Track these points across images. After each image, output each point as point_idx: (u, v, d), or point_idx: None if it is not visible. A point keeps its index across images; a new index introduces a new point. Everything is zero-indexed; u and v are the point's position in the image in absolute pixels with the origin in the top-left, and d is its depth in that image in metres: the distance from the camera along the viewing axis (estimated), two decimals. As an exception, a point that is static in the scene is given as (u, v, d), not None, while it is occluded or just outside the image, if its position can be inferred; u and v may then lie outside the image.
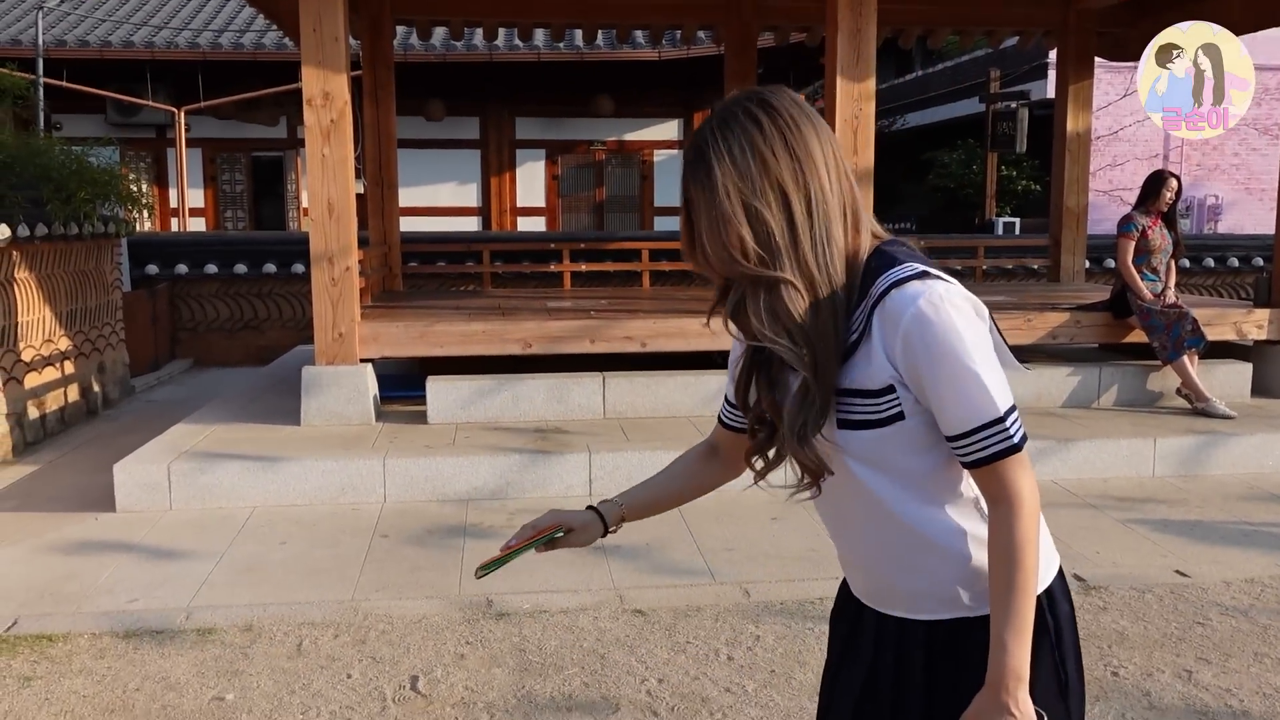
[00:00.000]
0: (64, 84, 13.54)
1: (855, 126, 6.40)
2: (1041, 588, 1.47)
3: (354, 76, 6.59)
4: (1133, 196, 8.83)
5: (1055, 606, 1.50)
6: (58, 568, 4.47)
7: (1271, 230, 7.42)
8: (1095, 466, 5.80)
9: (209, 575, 4.37)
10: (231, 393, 7.46)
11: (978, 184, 17.19)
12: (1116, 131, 16.96)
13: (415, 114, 14.50)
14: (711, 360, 6.47)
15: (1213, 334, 6.63)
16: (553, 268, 10.27)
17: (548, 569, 4.42)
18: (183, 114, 14.43)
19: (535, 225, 16.17)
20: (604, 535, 1.78)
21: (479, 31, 12.92)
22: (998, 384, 1.37)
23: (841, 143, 1.66)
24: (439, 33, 13.20)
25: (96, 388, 7.97)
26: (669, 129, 16.34)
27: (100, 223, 7.78)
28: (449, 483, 5.42)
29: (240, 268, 10.51)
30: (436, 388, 6.26)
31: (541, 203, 16.35)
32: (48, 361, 7.14)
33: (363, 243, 7.00)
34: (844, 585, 1.67)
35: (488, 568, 1.71)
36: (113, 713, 3.20)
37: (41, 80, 12.45)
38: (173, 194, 15.34)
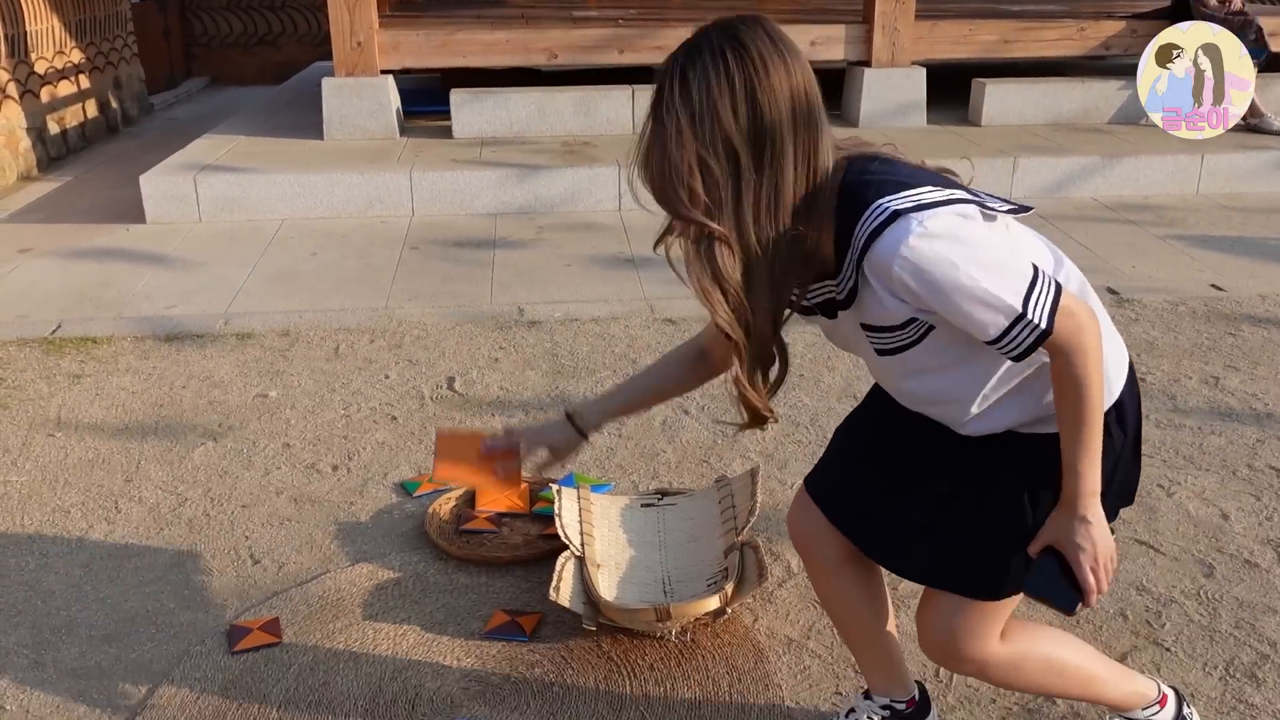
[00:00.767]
0: None
1: None
2: (1110, 402, 1.49)
3: None
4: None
5: (1124, 419, 1.52)
6: (94, 276, 4.53)
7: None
8: (1139, 183, 5.64)
9: (243, 284, 4.41)
10: (251, 108, 7.30)
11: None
12: None
13: None
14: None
15: (1275, 44, 6.27)
16: (578, -23, 9.71)
17: (577, 281, 4.43)
18: None
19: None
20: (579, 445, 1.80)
21: None
22: (1006, 280, 1.31)
23: None
24: None
25: (114, 104, 7.81)
26: None
27: (100, -76, 7.37)
28: (476, 197, 5.36)
29: (251, -23, 10.03)
30: (460, 99, 6.08)
31: (564, -92, 15.32)
32: (62, 75, 6.96)
33: (377, -56, 6.59)
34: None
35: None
36: (162, 407, 3.32)
37: None
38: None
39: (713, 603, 2.11)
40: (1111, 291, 4.25)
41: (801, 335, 3.60)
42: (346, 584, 2.38)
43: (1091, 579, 1.43)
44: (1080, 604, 1.45)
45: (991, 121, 6.41)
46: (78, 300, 4.24)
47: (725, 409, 3.25)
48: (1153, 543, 2.54)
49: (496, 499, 2.68)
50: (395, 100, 6.11)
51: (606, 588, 2.25)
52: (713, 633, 2.18)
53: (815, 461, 1.81)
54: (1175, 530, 2.59)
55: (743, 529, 2.33)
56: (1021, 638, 1.62)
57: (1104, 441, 1.43)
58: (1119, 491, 1.55)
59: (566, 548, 2.32)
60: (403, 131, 6.17)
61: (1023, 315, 1.32)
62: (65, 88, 6.99)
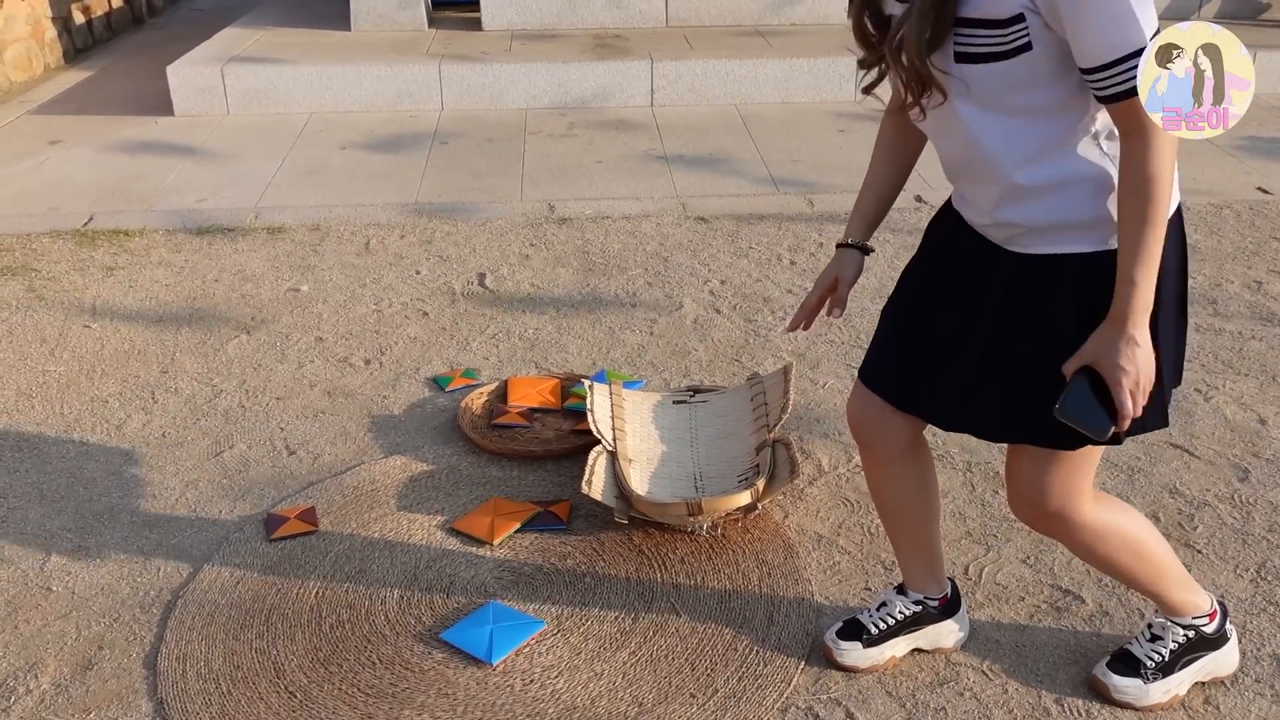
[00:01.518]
0: None
1: None
2: (1171, 210, 1.43)
3: None
4: None
5: (1169, 245, 1.44)
6: (124, 168, 4.51)
7: None
8: (1185, 82, 5.47)
9: (273, 178, 4.39)
10: (278, -2, 7.16)
11: None
12: None
13: None
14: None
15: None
16: None
17: (608, 178, 4.38)
18: None
19: None
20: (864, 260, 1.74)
21: None
22: (1144, 11, 1.27)
23: None
24: None
25: (139, -7, 7.69)
26: None
27: None
28: (506, 91, 5.28)
29: None
30: (490, -9, 5.94)
31: None
32: (86, -38, 6.84)
33: None
34: (949, 202, 1.63)
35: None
36: (194, 300, 3.33)
37: None
38: None
39: (744, 498, 2.12)
40: (1154, 194, 4.15)
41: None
42: (381, 475, 2.41)
43: (1129, 403, 1.39)
44: (1113, 428, 1.41)
45: None
46: (109, 193, 4.24)
47: (757, 308, 3.23)
48: (1188, 446, 2.52)
49: (528, 394, 2.69)
50: (423, -10, 5.98)
51: (638, 482, 2.27)
52: (743, 528, 2.20)
53: (849, 361, 1.79)
54: (1211, 435, 2.57)
55: (774, 426, 2.33)
56: (1115, 510, 1.62)
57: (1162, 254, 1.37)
58: (1171, 348, 1.49)
59: (598, 443, 2.33)
60: (431, 23, 6.05)
61: (1143, 51, 1.27)
62: (89, -24, 6.88)
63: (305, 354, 3.00)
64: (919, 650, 1.87)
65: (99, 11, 7.00)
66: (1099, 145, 1.40)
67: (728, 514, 2.16)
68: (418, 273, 3.53)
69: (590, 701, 1.78)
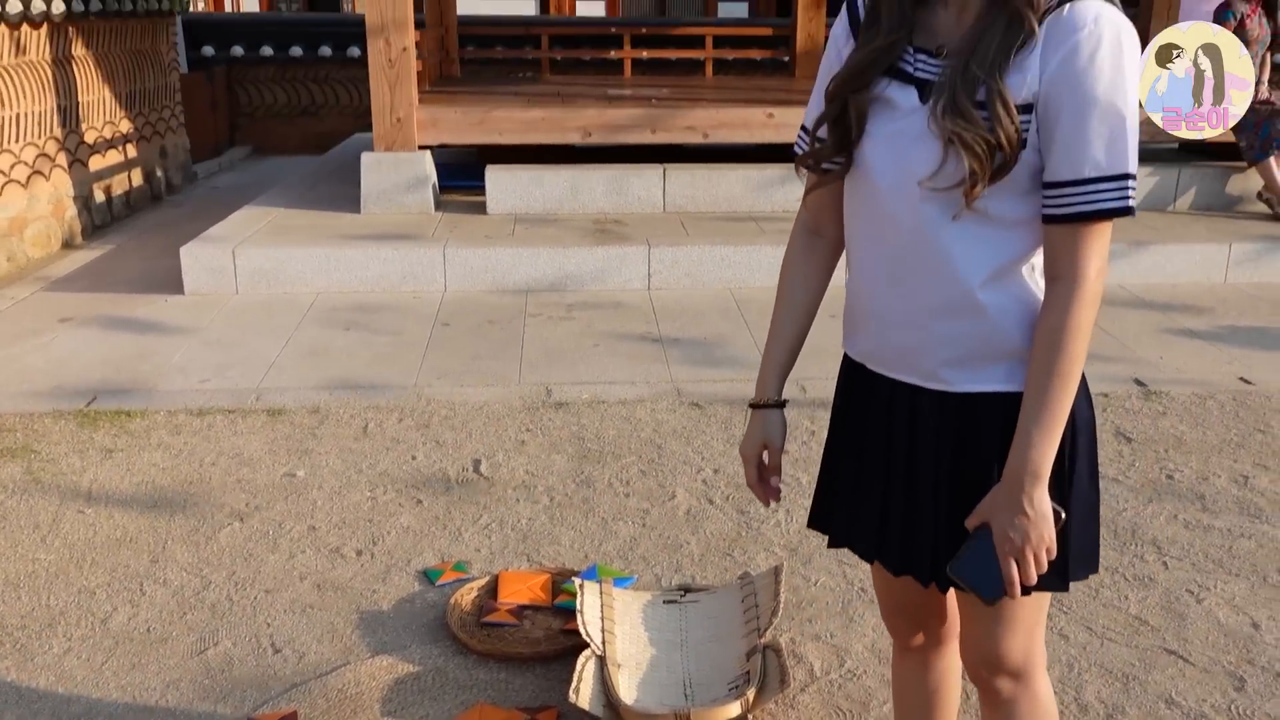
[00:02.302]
0: None
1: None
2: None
3: None
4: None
5: (1077, 407, 1.38)
6: (131, 347, 4.61)
7: (1384, 22, 6.87)
8: (1165, 271, 5.64)
9: (276, 358, 4.48)
10: (291, 179, 7.45)
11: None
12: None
13: (470, -114, 13.75)
14: (773, 155, 6.30)
15: (1307, 134, 6.27)
16: (613, 55, 9.92)
17: (605, 362, 4.47)
18: (230, -116, 13.85)
19: (595, 10, 15.56)
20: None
21: None
22: (1135, 142, 1.28)
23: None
24: None
25: (159, 173, 8.01)
26: (737, -95, 15.37)
27: None
28: (508, 273, 5.44)
29: (296, 50, 10.31)
30: (495, 176, 6.19)
31: (601, -15, 15.68)
32: (110, 144, 7.16)
33: (419, 24, 6.78)
34: (846, 360, 1.58)
35: None
36: (190, 484, 3.36)
37: None
38: (224, -28, 14.93)
39: (733, 709, 2.10)
40: (1139, 383, 4.23)
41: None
42: (366, 677, 2.38)
43: (1014, 572, 1.34)
44: (1002, 595, 1.36)
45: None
46: (115, 371, 4.32)
47: (750, 499, 3.25)
48: (1182, 652, 2.50)
49: (519, 590, 2.69)
50: (432, 175, 6.23)
51: (626, 689, 2.25)
52: (732, 738, 2.16)
53: (841, 556, 1.80)
54: (1205, 639, 2.55)
55: (765, 630, 2.32)
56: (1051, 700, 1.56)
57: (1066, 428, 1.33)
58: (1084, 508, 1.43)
59: (588, 645, 2.31)
60: (438, 206, 6.28)
61: (1125, 178, 1.27)
62: (113, 157, 7.18)
63: (297, 543, 3.00)
64: None
65: (119, 190, 7.27)
66: (1038, 278, 1.38)
67: (716, 724, 2.13)
68: (414, 458, 3.57)
69: None
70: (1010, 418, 1.36)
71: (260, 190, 7.24)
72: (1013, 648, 1.49)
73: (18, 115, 6.00)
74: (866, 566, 2.39)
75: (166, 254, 5.92)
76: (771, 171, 6.29)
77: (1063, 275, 1.30)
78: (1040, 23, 1.27)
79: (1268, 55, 6.51)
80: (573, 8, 15.52)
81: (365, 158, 6.12)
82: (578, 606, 2.40)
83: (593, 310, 5.15)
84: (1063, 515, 1.37)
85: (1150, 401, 4.07)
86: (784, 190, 6.25)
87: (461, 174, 6.70)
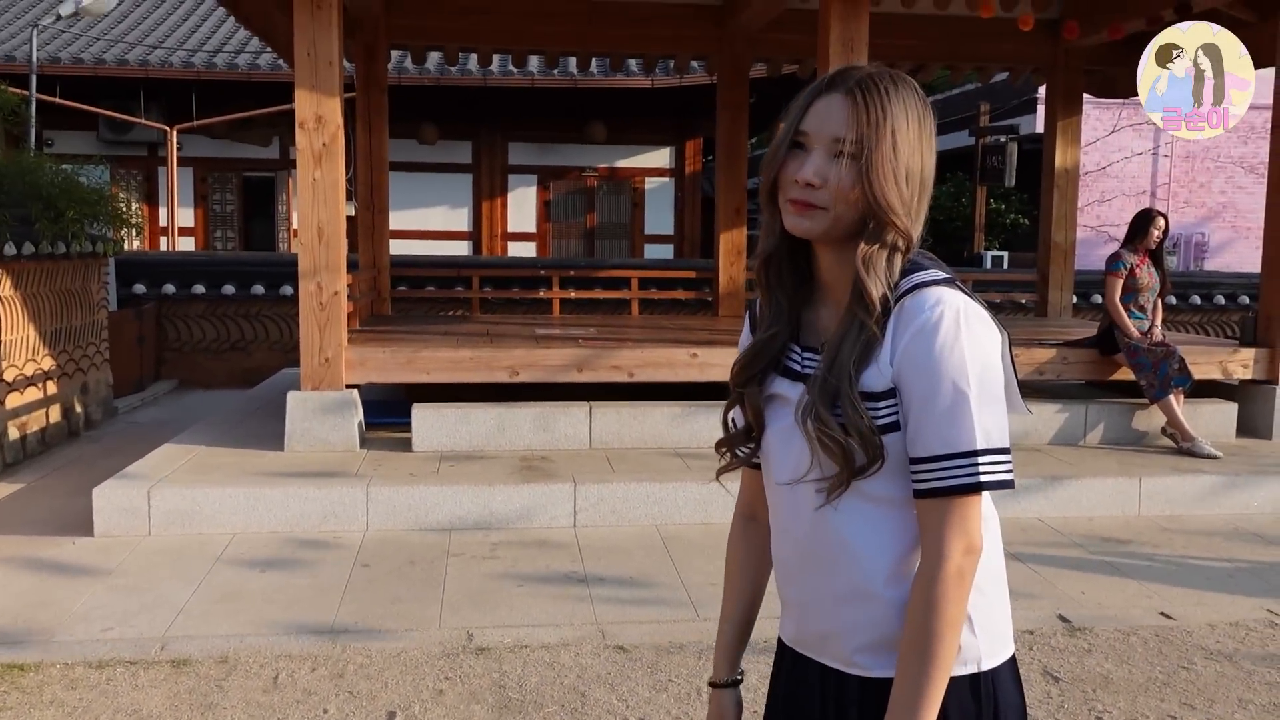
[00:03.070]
0: (57, 100, 13.52)
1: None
2: (988, 665, 1.40)
3: (347, 99, 6.59)
4: (1120, 233, 8.87)
5: (1000, 692, 1.40)
6: (32, 594, 4.41)
7: (1257, 269, 7.45)
8: (1081, 505, 5.79)
9: (186, 604, 4.31)
10: (216, 415, 7.41)
11: (966, 217, 17.26)
12: (1105, 167, 17.08)
13: (408, 137, 14.50)
14: (698, 391, 6.46)
15: (1199, 373, 6.64)
16: (542, 294, 10.26)
17: (528, 603, 4.38)
18: (175, 132, 14.41)
19: (526, 251, 16.17)
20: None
21: (473, 57, 12.97)
22: (986, 418, 1.32)
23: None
24: (433, 57, 13.24)
25: (79, 408, 7.91)
26: (661, 156, 16.38)
27: (88, 242, 7.74)
28: (432, 512, 5.38)
29: (228, 288, 10.48)
30: (422, 415, 6.23)
31: (532, 228, 16.36)
32: (30, 381, 7.08)
33: (352, 266, 6.98)
34: (780, 644, 1.58)
35: None
36: (83, 746, 3.14)
37: (34, 97, 12.44)
38: (163, 212, 15.31)
39: None
40: (1063, 619, 4.25)
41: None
42: None
43: None
44: None
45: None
46: (11, 620, 4.11)
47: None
48: None
49: None
50: (358, 414, 6.24)
51: None
52: None
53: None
54: None
55: None
56: None
57: (976, 709, 1.32)
58: None
59: None
60: (363, 444, 6.26)
61: (972, 454, 1.30)
62: (32, 394, 7.09)
63: (193, 811, 2.80)
64: None
65: (35, 427, 7.14)
66: None
67: None
68: (325, 711, 3.40)
69: None
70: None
71: (182, 425, 7.16)
72: None
73: (-63, 353, 5.94)
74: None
75: (78, 493, 5.77)
76: (696, 407, 6.42)
77: (928, 552, 1.33)
78: (888, 316, 1.36)
79: (1159, 301, 6.97)
80: (504, 248, 16.12)
81: (291, 397, 6.13)
82: None
83: (518, 549, 5.09)
84: None
85: (1075, 638, 4.08)
86: (709, 426, 6.37)
87: (388, 410, 6.73)
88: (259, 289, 10.49)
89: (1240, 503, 5.91)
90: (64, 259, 7.46)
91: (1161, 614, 4.36)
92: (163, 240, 15.23)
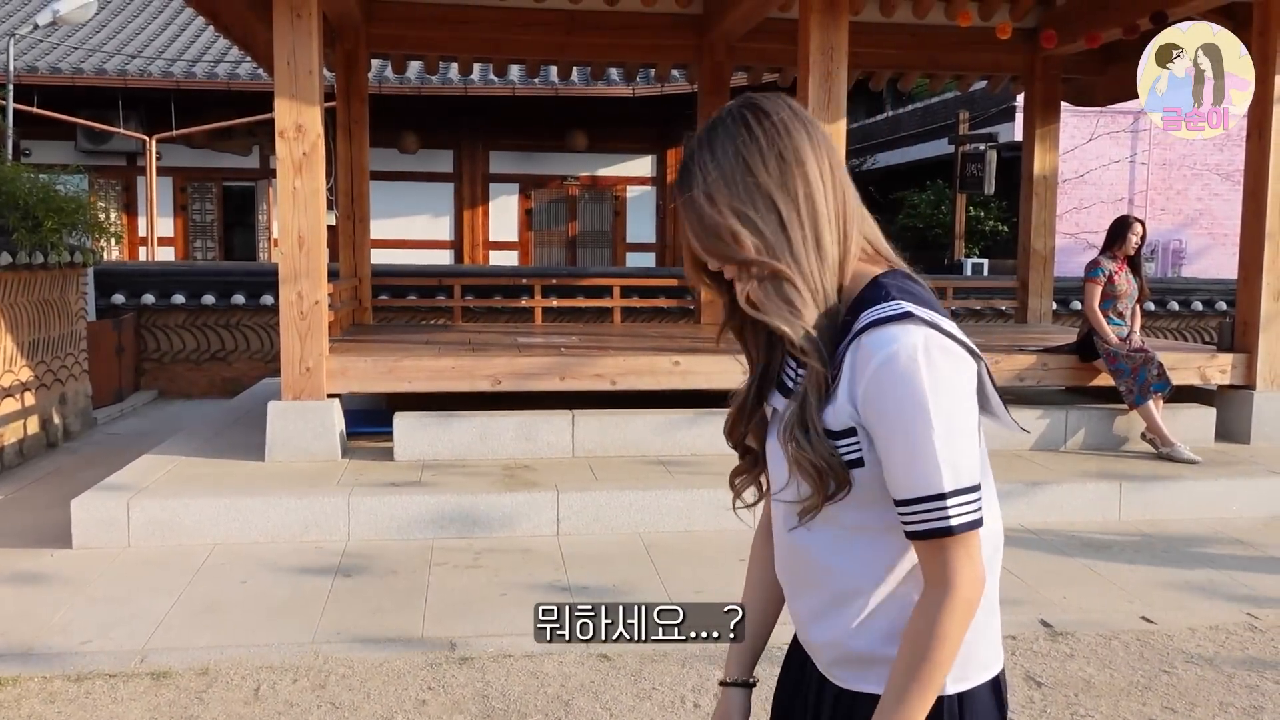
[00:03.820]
0: (34, 110, 13.44)
1: (826, 168, 6.43)
2: (968, 686, 1.38)
3: (328, 108, 6.58)
4: (1098, 240, 8.95)
5: (968, 714, 1.37)
6: (10, 607, 4.36)
7: (1234, 275, 7.52)
8: (1062, 510, 5.81)
9: (166, 615, 4.27)
10: (196, 426, 7.36)
11: (946, 224, 17.37)
12: (1083, 175, 17.21)
13: (389, 146, 14.49)
14: (681, 399, 6.46)
15: (1177, 378, 6.69)
16: (524, 303, 10.25)
17: (512, 612, 4.36)
18: (154, 142, 14.35)
19: (508, 259, 16.17)
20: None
21: (454, 66, 12.97)
22: (955, 457, 1.26)
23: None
24: (414, 66, 13.24)
25: (57, 419, 7.84)
26: (643, 165, 16.42)
27: (67, 252, 7.69)
28: (414, 521, 5.36)
29: (208, 298, 10.42)
30: (404, 424, 6.20)
31: (514, 237, 16.36)
32: (7, 393, 7.02)
33: (333, 275, 6.96)
34: (795, 638, 1.57)
35: None
36: (61, 760, 3.11)
37: (11, 106, 12.36)
38: (142, 222, 15.23)
39: None
40: (1045, 624, 4.27)
41: None
42: None
43: None
44: None
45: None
46: (-12, 634, 4.06)
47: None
48: None
49: None
50: (339, 423, 6.22)
51: None
52: None
53: None
54: None
55: None
56: None
57: None
58: None
59: None
60: (345, 453, 6.23)
61: (940, 498, 1.25)
62: (9, 405, 7.03)
63: (174, 825, 2.77)
64: None
65: (13, 439, 7.08)
66: (912, 585, 1.36)
67: None
68: (307, 722, 3.38)
69: None
70: None
71: (161, 436, 7.11)
72: None
73: (-87, 365, 5.89)
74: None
75: (56, 505, 5.71)
76: (678, 415, 6.42)
77: (933, 582, 1.30)
78: (842, 352, 1.31)
79: (1138, 307, 7.02)
80: (486, 257, 16.11)
81: (272, 406, 6.09)
82: None
83: (500, 557, 5.07)
84: None
85: (1057, 643, 4.10)
86: (691, 434, 6.37)
87: (370, 420, 6.70)
88: (239, 298, 10.44)
89: (1220, 507, 5.94)
90: (42, 269, 7.41)
91: (1143, 618, 4.38)
92: (142, 250, 15.15)
